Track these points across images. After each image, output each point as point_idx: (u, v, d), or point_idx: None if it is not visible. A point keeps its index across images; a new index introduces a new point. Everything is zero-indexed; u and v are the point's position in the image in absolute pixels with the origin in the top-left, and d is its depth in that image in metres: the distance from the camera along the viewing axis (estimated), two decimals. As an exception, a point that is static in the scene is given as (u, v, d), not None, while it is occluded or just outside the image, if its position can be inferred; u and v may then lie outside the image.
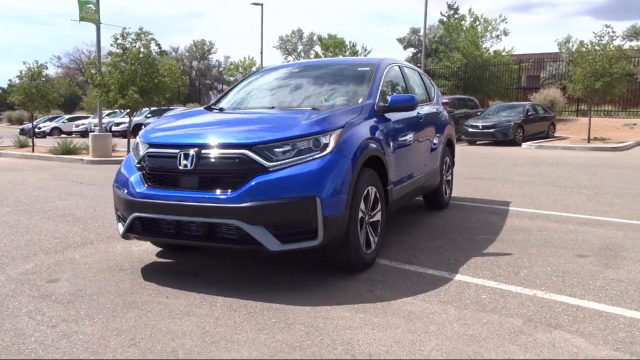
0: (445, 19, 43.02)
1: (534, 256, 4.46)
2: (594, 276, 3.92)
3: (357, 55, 33.34)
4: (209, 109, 5.05)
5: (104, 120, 25.77)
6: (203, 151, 3.64)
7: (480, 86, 25.40)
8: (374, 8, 79.96)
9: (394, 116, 4.76)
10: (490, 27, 26.46)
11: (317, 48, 41.56)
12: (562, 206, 6.78)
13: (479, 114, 19.89)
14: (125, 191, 3.91)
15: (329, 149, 3.65)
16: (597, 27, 49.23)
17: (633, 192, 7.89)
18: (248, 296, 3.55)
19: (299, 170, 3.54)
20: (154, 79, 14.27)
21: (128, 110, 14.96)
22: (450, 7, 42.55)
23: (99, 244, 5.03)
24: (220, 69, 53.76)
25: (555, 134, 20.63)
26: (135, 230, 3.90)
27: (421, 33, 38.00)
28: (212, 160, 3.63)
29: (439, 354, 2.71)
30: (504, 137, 17.21)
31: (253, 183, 3.48)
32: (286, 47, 43.68)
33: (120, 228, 4.10)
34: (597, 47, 17.00)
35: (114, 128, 26.26)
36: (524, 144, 17.63)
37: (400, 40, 38.57)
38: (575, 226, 5.60)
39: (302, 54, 43.70)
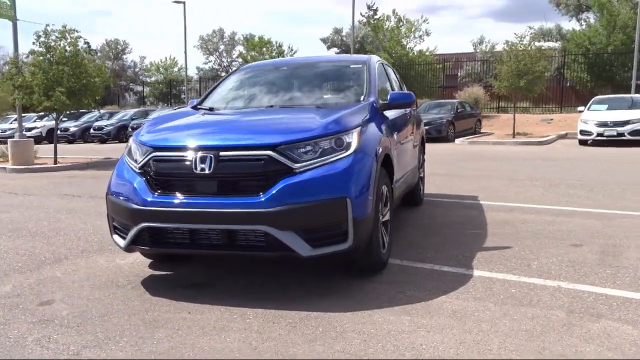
0: (365, 19, 43.94)
1: (533, 248, 4.56)
2: (600, 264, 4.06)
3: (283, 56, 33.23)
4: (196, 109, 4.74)
5: (11, 125, 23.89)
6: (222, 153, 3.39)
7: (407, 85, 26.02)
8: (287, 9, 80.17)
9: (389, 114, 4.70)
10: (413, 28, 27.27)
11: (240, 48, 41.01)
12: (526, 198, 7.04)
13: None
14: (128, 200, 3.56)
15: (352, 148, 3.52)
16: (497, 29, 52.32)
17: (580, 182, 8.35)
18: (277, 305, 3.35)
19: (326, 171, 3.38)
20: (83, 80, 13.36)
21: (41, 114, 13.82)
22: (369, 7, 43.46)
23: (75, 259, 4.59)
24: (136, 70, 51.64)
25: (482, 130, 21.58)
26: (143, 241, 3.57)
27: (344, 33, 38.57)
28: (233, 163, 3.39)
29: (509, 353, 2.67)
30: (437, 134, 17.74)
31: (281, 186, 3.28)
32: (207, 46, 42.66)
33: (119, 240, 3.75)
34: (519, 47, 17.95)
35: (27, 133, 24.42)
36: (457, 140, 18.29)
37: (324, 40, 38.87)
38: (552, 217, 5.81)
39: (224, 54, 42.92)
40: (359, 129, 3.70)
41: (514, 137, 18.74)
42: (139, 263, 4.40)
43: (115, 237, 3.83)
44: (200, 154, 3.41)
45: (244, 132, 3.68)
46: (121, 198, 3.64)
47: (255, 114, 4.34)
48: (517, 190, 7.72)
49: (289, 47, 33.78)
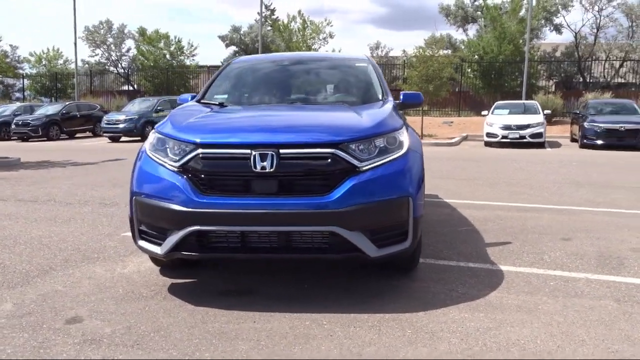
0: (262, 19, 43.73)
1: (531, 242, 4.81)
2: (604, 255, 4.38)
3: (183, 51, 32.04)
4: (203, 104, 4.41)
5: None
6: (283, 151, 3.19)
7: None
8: (172, 3, 77.63)
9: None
10: (317, 30, 27.64)
11: (130, 42, 38.88)
12: (482, 196, 7.43)
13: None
14: (170, 201, 3.23)
15: (405, 147, 3.48)
16: (378, 35, 54.79)
17: (516, 181, 8.96)
18: (341, 309, 3.23)
19: (389, 169, 3.32)
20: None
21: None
22: (267, 7, 43.36)
23: (65, 270, 4.08)
24: (7, 60, 46.96)
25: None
26: (188, 247, 3.26)
27: (242, 31, 38.08)
28: (296, 161, 3.21)
29: (602, 342, 2.79)
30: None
31: (350, 185, 3.16)
32: (94, 39, 39.83)
33: (151, 247, 3.40)
34: (427, 54, 18.91)
35: None
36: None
37: (222, 38, 38.02)
38: (521, 213, 6.18)
39: (114, 48, 40.37)
40: (404, 127, 3.68)
41: (422, 138, 19.67)
42: (146, 271, 4.02)
43: (143, 243, 3.46)
44: (259, 151, 3.18)
45: (302, 128, 3.49)
46: (158, 200, 3.29)
47: (290, 110, 4.14)
48: (469, 189, 8.11)
49: (189, 43, 32.66)
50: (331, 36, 27.89)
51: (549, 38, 32.57)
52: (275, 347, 2.75)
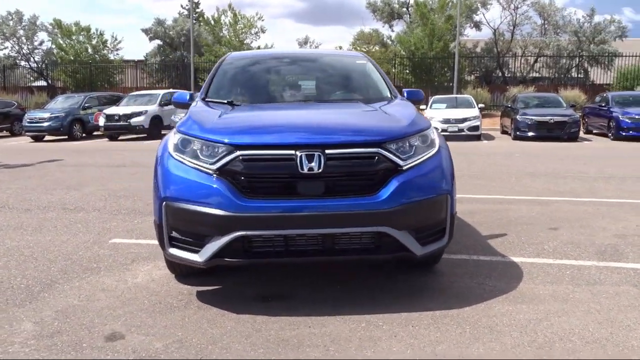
0: (186, 12, 42.48)
1: (524, 233, 5.04)
2: (595, 243, 4.66)
3: (106, 45, 30.49)
4: (208, 102, 4.23)
5: None
6: (329, 151, 3.13)
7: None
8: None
9: None
10: (249, 24, 27.24)
11: (43, 34, 36.44)
12: (451, 189, 7.64)
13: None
14: (211, 206, 3.08)
15: (437, 145, 3.53)
16: (298, 29, 55.25)
17: (475, 174, 9.31)
18: (390, 310, 3.23)
19: (427, 168, 3.35)
20: None
21: None
22: (189, 0, 42.21)
23: (71, 282, 3.80)
24: None
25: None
26: (232, 253, 3.12)
27: (166, 25, 36.78)
28: (342, 161, 3.16)
29: (646, 326, 2.98)
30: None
31: (397, 184, 3.16)
32: (2, 30, 36.96)
33: (186, 254, 3.23)
34: (364, 50, 19.17)
35: None
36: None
37: (145, 31, 36.52)
38: (498, 205, 6.45)
39: (24, 40, 37.66)
40: (432, 125, 3.73)
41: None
42: (161, 280, 3.83)
43: (175, 251, 3.28)
44: (305, 152, 3.10)
45: (345, 128, 3.43)
46: (195, 205, 3.13)
47: (319, 109, 4.04)
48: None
49: (112, 37, 31.05)
50: (263, 31, 27.63)
51: (470, 35, 34.01)
52: (347, 352, 2.70)
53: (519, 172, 9.30)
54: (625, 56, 26.81)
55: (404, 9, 33.91)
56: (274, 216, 3.05)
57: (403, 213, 3.14)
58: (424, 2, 27.30)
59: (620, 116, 15.73)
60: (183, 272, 3.78)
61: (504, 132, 19.03)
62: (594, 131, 17.88)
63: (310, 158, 3.09)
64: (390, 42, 32.16)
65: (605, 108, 16.93)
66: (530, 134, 16.02)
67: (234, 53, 5.26)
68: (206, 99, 4.30)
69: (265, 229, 3.07)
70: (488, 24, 33.49)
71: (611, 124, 16.16)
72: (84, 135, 19.61)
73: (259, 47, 27.38)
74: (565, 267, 4.00)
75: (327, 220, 3.07)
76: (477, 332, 2.90)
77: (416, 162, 3.30)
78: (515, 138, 16.53)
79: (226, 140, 3.19)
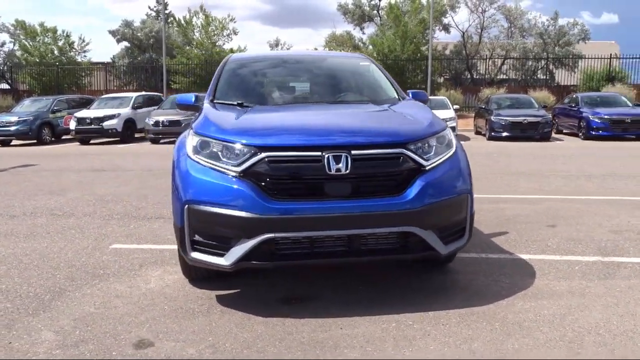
0: (153, 14, 41.86)
1: (526, 231, 5.13)
2: (594, 239, 4.78)
3: (72, 46, 29.74)
4: (216, 104, 4.18)
5: None
6: (355, 152, 3.13)
7: (220, 84, 25.70)
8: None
9: None
10: (221, 26, 27.00)
11: (4, 35, 35.37)
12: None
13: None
14: (238, 208, 3.04)
15: (454, 145, 3.56)
16: (264, 32, 55.29)
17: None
18: (415, 309, 3.25)
19: (448, 168, 3.38)
20: None
21: None
22: (158, 2, 41.63)
23: (81, 290, 3.71)
24: None
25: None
26: (260, 256, 3.08)
27: (134, 26, 36.19)
28: (368, 162, 3.17)
29: (666, 317, 3.07)
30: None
31: (422, 184, 3.18)
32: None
33: (211, 258, 3.18)
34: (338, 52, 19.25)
35: None
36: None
37: (113, 33, 35.82)
38: (493, 204, 6.53)
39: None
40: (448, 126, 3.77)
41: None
42: (176, 285, 3.76)
43: (198, 255, 3.22)
44: (332, 153, 3.09)
45: (369, 129, 3.44)
46: (220, 207, 3.08)
47: (337, 109, 4.04)
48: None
49: (80, 38, 30.30)
50: (235, 33, 27.42)
51: (440, 37, 34.52)
52: (384, 351, 2.71)
53: (502, 172, 9.48)
54: (589, 58, 27.61)
55: (375, 12, 34.22)
56: (302, 218, 3.03)
57: (429, 213, 3.17)
58: (396, 4, 27.57)
59: (590, 116, 16.19)
60: (199, 276, 3.72)
61: (477, 132, 19.36)
62: (565, 131, 18.36)
63: (337, 159, 3.08)
64: (362, 45, 32.36)
65: (575, 109, 17.40)
66: (505, 134, 16.35)
67: (236, 55, 5.21)
68: (214, 101, 4.24)
69: (293, 231, 3.05)
70: (457, 26, 34.09)
71: (581, 124, 16.62)
72: (53, 139, 19.09)
73: (231, 50, 27.13)
74: (573, 263, 4.09)
75: (355, 221, 3.07)
76: (507, 329, 2.94)
77: (437, 163, 3.33)
78: (490, 138, 16.84)
79: (250, 142, 3.16)
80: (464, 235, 3.43)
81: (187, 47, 27.56)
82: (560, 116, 18.72)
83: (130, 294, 3.61)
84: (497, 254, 4.35)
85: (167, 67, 25.78)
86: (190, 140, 3.42)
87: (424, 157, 3.28)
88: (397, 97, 4.43)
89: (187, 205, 3.19)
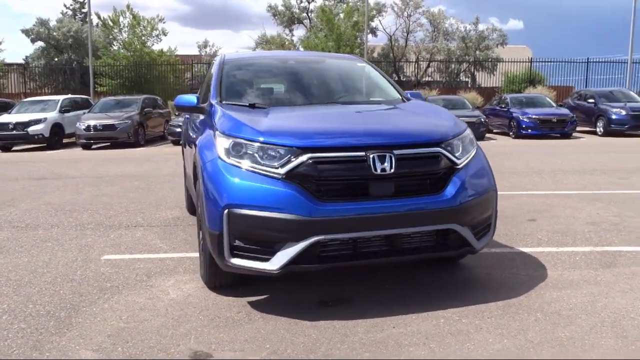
0: (70, 12, 39.87)
1: (513, 225, 5.37)
2: (577, 231, 5.10)
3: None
4: (225, 105, 4.06)
5: None
6: (397, 152, 3.17)
7: (148, 86, 24.81)
8: None
9: None
10: (150, 26, 26.05)
11: None
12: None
13: (177, 114, 19.63)
14: (283, 211, 2.99)
15: (475, 144, 3.69)
16: (183, 33, 54.23)
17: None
18: (453, 303, 3.33)
19: (476, 166, 3.50)
20: None
21: None
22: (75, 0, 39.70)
23: (101, 305, 3.49)
24: None
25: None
26: (308, 258, 3.04)
27: (51, 26, 34.27)
28: (410, 161, 3.22)
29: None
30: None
31: (459, 182, 3.28)
32: None
33: (254, 263, 3.11)
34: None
35: None
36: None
37: (26, 32, 33.59)
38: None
39: None
40: (466, 126, 3.89)
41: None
42: (200, 294, 3.63)
43: (239, 260, 3.13)
44: (376, 153, 3.11)
45: (406, 129, 3.48)
46: (265, 211, 3.01)
47: (354, 109, 4.01)
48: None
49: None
50: (164, 33, 26.52)
51: (368, 40, 35.24)
52: (449, 347, 2.76)
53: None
54: (507, 62, 29.22)
55: (305, 14, 34.42)
56: (350, 219, 3.03)
57: (466, 210, 3.26)
58: (329, 8, 27.88)
59: (520, 116, 17.16)
60: (224, 284, 3.60)
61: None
62: (495, 130, 19.33)
63: (382, 159, 3.11)
64: (292, 47, 32.41)
65: (505, 109, 18.39)
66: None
67: (230, 54, 5.09)
68: (223, 102, 4.10)
69: (342, 232, 3.04)
70: (384, 30, 34.99)
71: (512, 123, 17.59)
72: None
73: (162, 51, 26.25)
74: (572, 254, 4.34)
75: (400, 220, 3.11)
76: (549, 318, 3.09)
77: (467, 161, 3.44)
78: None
79: (294, 144, 3.11)
80: (490, 230, 3.56)
81: (114, 48, 26.39)
82: (490, 116, 19.67)
83: (154, 305, 3.44)
84: (499, 249, 4.53)
85: (94, 69, 24.60)
86: (220, 142, 3.31)
87: (456, 155, 3.37)
88: (400, 97, 4.50)
89: (227, 210, 3.08)
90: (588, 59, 27.42)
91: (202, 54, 35.26)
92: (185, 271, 4.13)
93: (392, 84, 4.72)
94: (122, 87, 24.92)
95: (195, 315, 3.26)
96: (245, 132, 3.28)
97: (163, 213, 6.39)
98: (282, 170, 3.07)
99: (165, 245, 4.91)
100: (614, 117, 16.99)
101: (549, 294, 3.46)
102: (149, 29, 25.78)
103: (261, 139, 3.18)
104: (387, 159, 3.11)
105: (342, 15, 29.49)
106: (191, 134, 4.79)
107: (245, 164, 3.15)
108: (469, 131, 3.67)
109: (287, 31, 35.85)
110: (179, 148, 16.44)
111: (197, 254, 4.52)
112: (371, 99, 4.52)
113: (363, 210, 3.06)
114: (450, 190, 3.23)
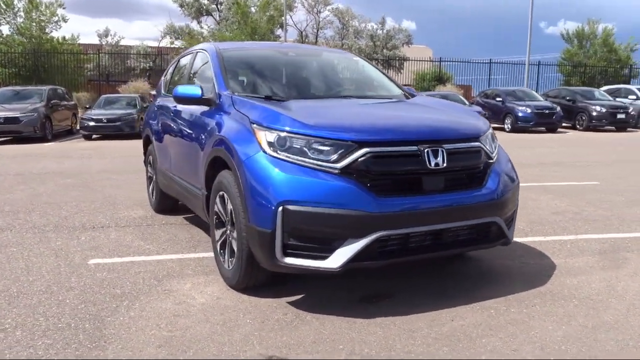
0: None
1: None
2: (549, 220, 5.45)
3: None
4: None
5: None
6: (446, 146, 3.20)
7: (47, 76, 22.91)
8: None
9: None
10: (49, 12, 24.01)
11: None
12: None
13: (88, 107, 18.29)
14: (345, 207, 2.91)
15: (496, 137, 3.82)
16: (74, 21, 51.07)
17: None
18: (488, 294, 3.43)
19: (503, 159, 3.64)
20: None
21: None
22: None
23: (127, 313, 3.21)
24: None
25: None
26: (370, 255, 2.98)
27: None
28: (459, 155, 3.27)
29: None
30: (130, 130, 16.69)
31: (497, 176, 3.39)
32: None
33: (310, 262, 3.00)
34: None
35: None
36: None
37: None
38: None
39: None
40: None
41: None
42: (230, 297, 3.44)
43: (293, 260, 3.01)
44: (430, 147, 3.12)
45: (451, 124, 3.50)
46: (324, 207, 2.92)
47: (392, 105, 4.02)
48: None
49: None
50: (64, 20, 24.48)
51: (280, 35, 35.12)
52: (517, 336, 2.84)
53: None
54: (414, 60, 30.51)
55: (214, 6, 33.57)
56: (409, 213, 3.02)
57: (505, 202, 3.38)
58: (244, 1, 27.40)
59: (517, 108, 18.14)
60: (257, 284, 3.44)
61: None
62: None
63: (435, 153, 3.12)
64: (202, 39, 31.50)
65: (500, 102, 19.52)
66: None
67: (225, 44, 4.84)
68: (235, 94, 3.89)
69: (402, 228, 3.01)
70: (295, 25, 35.05)
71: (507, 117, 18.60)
72: None
73: (64, 39, 24.35)
74: (561, 243, 4.64)
75: (453, 214, 3.15)
76: (587, 303, 3.28)
77: (497, 155, 3.55)
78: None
79: (351, 138, 3.04)
80: (513, 221, 3.70)
81: (7, 33, 24.11)
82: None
83: (188, 311, 3.21)
84: (517, 238, 4.66)
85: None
86: (263, 135, 3.15)
87: (489, 149, 3.47)
88: (402, 92, 4.54)
89: (282, 207, 2.94)
90: (490, 59, 29.37)
91: (103, 43, 33.23)
92: (196, 273, 3.89)
93: (391, 80, 4.75)
94: (17, 77, 22.84)
95: (241, 319, 3.08)
96: (290, 124, 3.13)
97: (125, 212, 5.97)
98: (339, 165, 2.98)
99: (152, 247, 4.59)
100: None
101: (569, 281, 3.67)
102: (47, 14, 23.77)
103: (311, 132, 3.07)
104: (439, 154, 3.13)
105: (253, 10, 29.16)
106: (179, 127, 4.54)
107: (295, 158, 3.03)
108: (491, 127, 3.78)
109: (195, 22, 34.81)
110: (95, 143, 15.48)
111: (195, 255, 4.33)
112: (386, 93, 4.50)
113: (420, 205, 3.06)
114: (491, 183, 3.32)
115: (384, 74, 4.83)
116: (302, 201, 2.93)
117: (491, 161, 3.44)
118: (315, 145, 3.04)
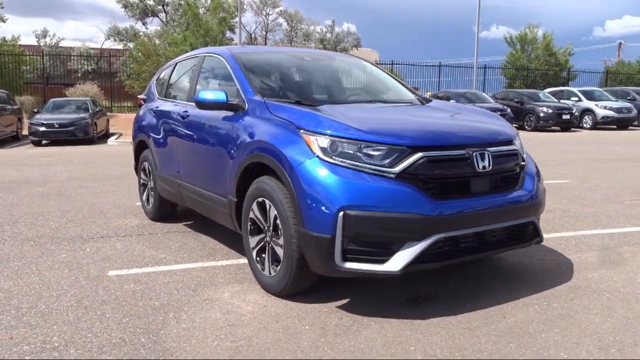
0: None
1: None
2: (544, 219, 5.69)
3: None
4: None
5: None
6: (490, 149, 3.33)
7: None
8: None
9: None
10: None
11: None
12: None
13: (36, 111, 17.39)
14: (405, 210, 2.98)
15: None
16: (12, 20, 48.97)
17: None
18: (522, 293, 3.57)
19: (531, 160, 3.81)
20: None
21: None
22: None
23: (173, 325, 3.14)
24: None
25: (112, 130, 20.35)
26: (427, 258, 3.05)
27: None
28: (501, 158, 3.41)
29: (690, 271, 3.98)
30: (84, 135, 16.04)
31: (530, 178, 3.56)
32: None
33: (370, 266, 3.04)
34: (150, 49, 18.14)
35: None
36: (111, 140, 17.06)
37: None
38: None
39: None
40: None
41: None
42: (272, 304, 3.43)
43: (353, 264, 3.04)
44: (477, 151, 3.24)
45: (488, 128, 3.61)
46: (386, 211, 2.97)
47: (429, 109, 4.12)
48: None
49: None
50: (3, 20, 23.16)
51: (228, 36, 34.76)
52: (572, 330, 2.98)
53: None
54: (372, 64, 30.92)
55: (160, 7, 32.83)
56: (464, 215, 3.12)
57: (540, 202, 3.56)
58: (195, 3, 26.92)
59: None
60: (304, 290, 3.44)
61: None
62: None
63: (482, 156, 3.24)
64: (147, 40, 30.75)
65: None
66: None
67: (237, 48, 4.77)
68: (265, 99, 3.86)
69: (458, 230, 3.11)
70: (244, 27, 34.77)
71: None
72: None
73: (4, 39, 23.10)
74: (565, 239, 4.88)
75: (500, 215, 3.28)
76: (617, 296, 3.48)
77: (526, 157, 3.71)
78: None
79: (406, 143, 3.11)
80: (539, 220, 3.87)
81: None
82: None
83: (241, 320, 3.17)
84: None
85: None
86: (314, 140, 3.16)
87: (521, 152, 3.63)
88: (415, 97, 4.64)
89: (343, 212, 2.96)
90: (440, 62, 30.25)
91: (42, 44, 31.83)
92: (228, 282, 3.84)
93: (404, 84, 4.84)
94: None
95: (299, 326, 3.08)
96: (344, 130, 3.16)
97: (119, 221, 5.78)
98: (395, 169, 3.04)
99: (167, 256, 4.49)
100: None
101: (591, 275, 3.88)
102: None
103: (365, 137, 3.11)
104: (486, 157, 3.25)
105: (201, 11, 28.70)
106: (193, 132, 4.45)
107: (350, 163, 3.06)
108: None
109: (139, 24, 33.92)
110: (48, 149, 14.78)
111: (217, 263, 4.30)
112: (400, 97, 4.58)
113: (472, 207, 3.16)
114: (527, 185, 3.48)
115: (394, 78, 4.92)
116: (362, 206, 2.96)
117: (524, 163, 3.59)
118: (366, 150, 3.08)
